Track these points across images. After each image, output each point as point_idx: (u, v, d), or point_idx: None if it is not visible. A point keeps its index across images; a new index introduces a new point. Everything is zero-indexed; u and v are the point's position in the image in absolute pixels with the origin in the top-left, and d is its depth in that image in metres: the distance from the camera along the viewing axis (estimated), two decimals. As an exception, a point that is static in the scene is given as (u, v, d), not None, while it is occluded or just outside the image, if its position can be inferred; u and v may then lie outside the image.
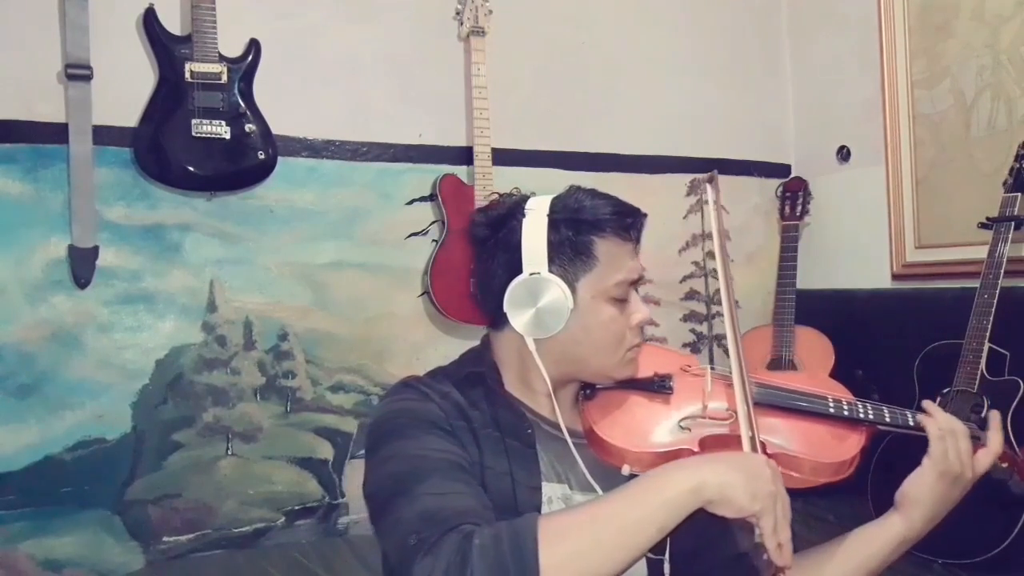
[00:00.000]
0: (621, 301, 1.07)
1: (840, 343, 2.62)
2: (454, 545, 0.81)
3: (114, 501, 2.11)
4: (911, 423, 1.09)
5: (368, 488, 0.99)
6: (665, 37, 2.88)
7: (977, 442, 1.07)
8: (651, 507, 0.85)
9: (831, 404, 1.10)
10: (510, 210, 1.09)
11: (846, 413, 1.09)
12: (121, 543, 2.11)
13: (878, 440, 1.09)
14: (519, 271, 1.05)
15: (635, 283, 1.09)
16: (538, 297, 1.04)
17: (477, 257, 1.11)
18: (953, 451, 1.03)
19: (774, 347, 2.69)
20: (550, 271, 1.04)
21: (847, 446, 1.06)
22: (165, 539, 2.15)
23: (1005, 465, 1.10)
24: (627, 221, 1.08)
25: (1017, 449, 1.14)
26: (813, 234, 2.91)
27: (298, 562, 2.12)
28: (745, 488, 0.86)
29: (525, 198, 1.10)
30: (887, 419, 1.10)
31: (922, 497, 1.04)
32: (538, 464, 1.06)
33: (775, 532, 0.87)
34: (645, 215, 1.10)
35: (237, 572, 2.10)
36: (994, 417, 1.10)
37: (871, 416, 1.09)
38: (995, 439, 1.07)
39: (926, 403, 1.10)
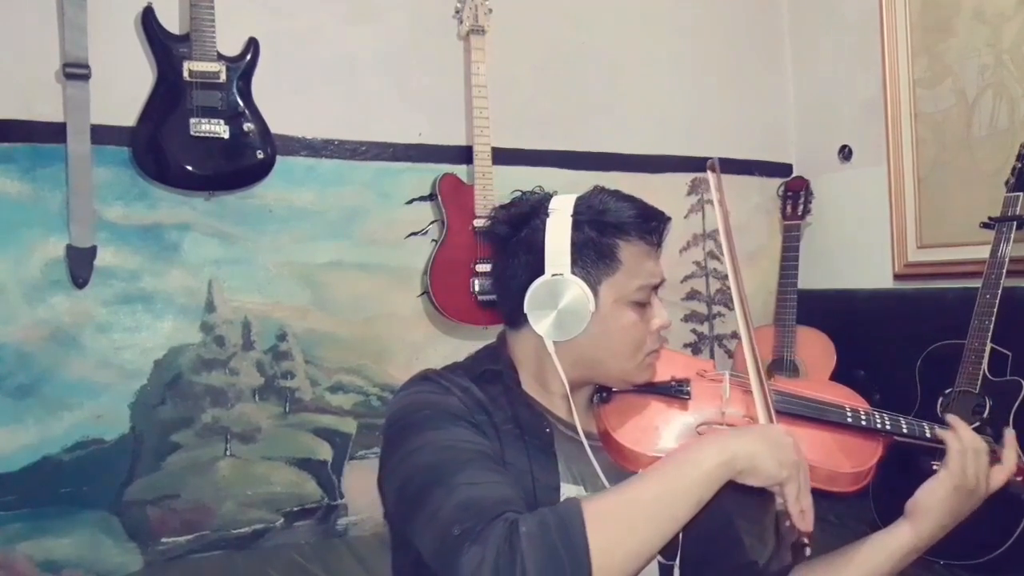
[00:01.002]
0: (642, 305, 1.06)
1: (842, 343, 2.61)
2: (501, 534, 0.81)
3: (112, 502, 2.10)
4: (929, 435, 1.08)
5: (395, 480, 0.97)
6: (666, 36, 2.87)
7: (993, 456, 1.07)
8: (688, 482, 0.87)
9: (849, 414, 1.09)
10: (533, 209, 1.08)
11: (864, 423, 1.08)
12: (119, 544, 2.10)
13: (894, 460, 1.08)
14: (541, 271, 1.03)
15: (657, 288, 1.08)
16: (559, 299, 1.03)
17: (497, 255, 1.10)
18: (972, 467, 1.04)
19: (775, 347, 2.68)
20: (572, 273, 1.03)
21: (864, 456, 1.06)
22: (163, 540, 2.15)
23: (1020, 479, 1.10)
24: (652, 224, 1.07)
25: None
26: (815, 234, 2.90)
27: (297, 563, 2.11)
28: (772, 457, 0.89)
29: (548, 197, 1.09)
30: (905, 430, 1.09)
31: (934, 508, 1.04)
32: (556, 464, 1.05)
33: (798, 499, 0.89)
34: (669, 219, 1.09)
35: (236, 573, 2.10)
36: (1009, 435, 1.09)
37: (889, 427, 1.08)
38: (1010, 457, 1.07)
39: (951, 418, 1.09)
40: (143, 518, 2.13)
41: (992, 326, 2.06)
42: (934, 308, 2.46)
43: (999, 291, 2.06)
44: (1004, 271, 2.07)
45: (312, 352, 2.34)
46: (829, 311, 2.80)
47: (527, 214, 1.07)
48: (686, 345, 2.87)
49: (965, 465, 1.03)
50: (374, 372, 2.40)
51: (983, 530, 1.96)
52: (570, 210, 1.05)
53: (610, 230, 1.04)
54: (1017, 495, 1.14)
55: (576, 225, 1.04)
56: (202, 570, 2.13)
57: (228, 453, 2.23)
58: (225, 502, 2.21)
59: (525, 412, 1.07)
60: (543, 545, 0.80)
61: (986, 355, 2.06)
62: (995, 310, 2.06)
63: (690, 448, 0.91)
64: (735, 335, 2.93)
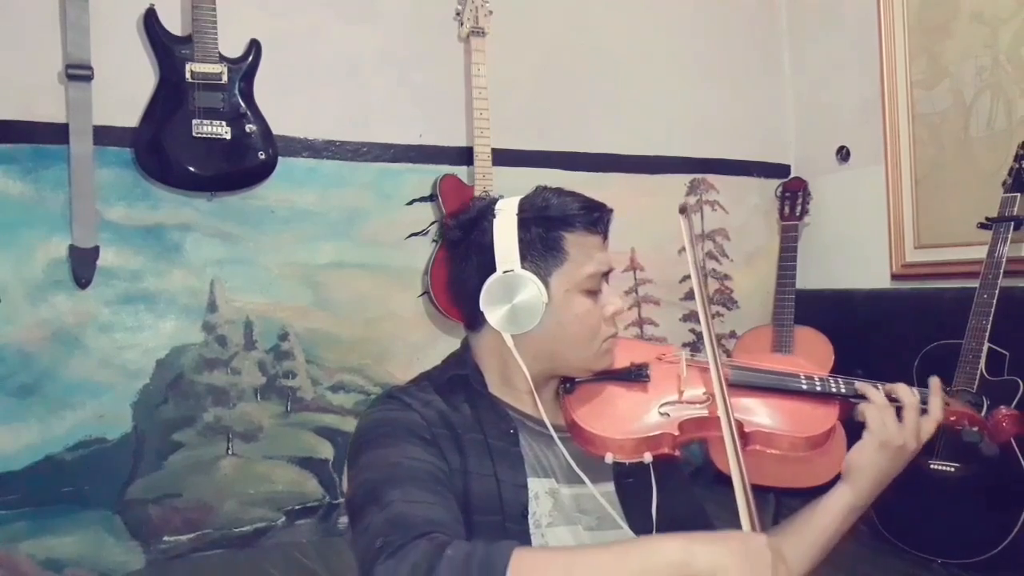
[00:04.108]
0: (594, 293, 1.10)
1: (839, 343, 2.62)
2: (422, 552, 0.81)
3: (115, 501, 2.12)
4: (858, 393, 1.12)
5: (347, 497, 1.00)
6: (665, 37, 2.89)
7: (925, 412, 1.10)
8: (632, 567, 0.83)
9: (803, 380, 1.13)
10: (480, 212, 1.11)
11: (818, 388, 1.12)
12: (122, 543, 2.11)
13: (860, 424, 1.11)
14: (493, 270, 1.07)
15: (606, 275, 1.12)
16: (513, 294, 1.06)
17: (451, 260, 1.14)
18: (891, 422, 1.06)
19: (773, 347, 2.69)
20: (523, 268, 1.06)
21: (821, 421, 1.10)
22: (166, 539, 2.16)
23: (975, 429, 1.16)
24: (594, 215, 1.10)
25: (987, 413, 1.17)
26: (813, 234, 2.92)
27: (298, 562, 2.12)
28: (739, 571, 0.82)
29: (495, 200, 1.12)
30: (842, 390, 1.13)
31: (865, 466, 1.07)
32: (523, 462, 1.07)
33: None
34: (611, 210, 1.13)
35: (237, 572, 2.11)
36: (934, 383, 1.12)
37: (843, 390, 1.12)
38: (936, 405, 1.10)
39: (858, 384, 1.12)
40: (145, 517, 2.14)
41: (989, 326, 2.07)
42: (932, 308, 2.47)
43: (996, 291, 2.07)
44: (1001, 271, 2.08)
45: (313, 352, 2.35)
46: (827, 311, 2.81)
47: (475, 218, 1.11)
48: (685, 344, 2.88)
49: (884, 420, 1.06)
50: (375, 372, 2.41)
51: (981, 529, 1.98)
52: (515, 209, 1.09)
53: (555, 224, 1.08)
54: (974, 444, 1.18)
55: (522, 223, 1.08)
56: (204, 568, 2.14)
57: (230, 452, 2.24)
58: (227, 501, 2.22)
59: (489, 415, 1.10)
60: (461, 574, 0.80)
61: (983, 355, 2.07)
62: (992, 310, 2.07)
63: (654, 537, 0.91)
64: (733, 335, 2.94)
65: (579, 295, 1.08)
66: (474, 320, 1.12)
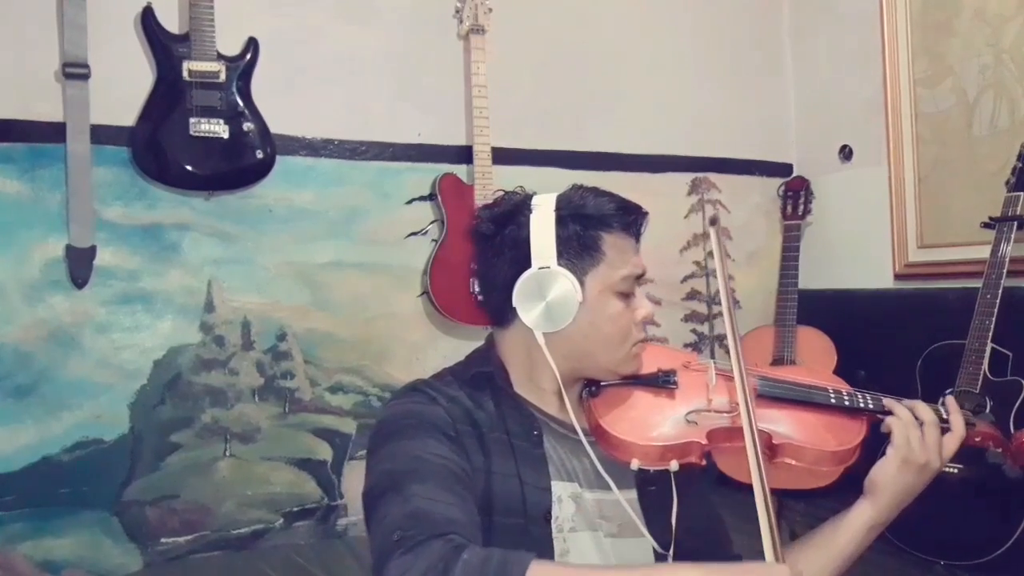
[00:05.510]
0: (626, 296, 1.09)
1: (842, 343, 2.61)
2: (439, 552, 0.81)
3: (112, 502, 2.10)
4: (885, 409, 1.10)
5: (365, 486, 0.98)
6: (666, 35, 2.87)
7: (947, 428, 1.09)
8: None
9: (832, 395, 1.12)
10: (516, 207, 1.10)
11: (847, 403, 1.11)
12: (119, 544, 2.10)
13: (881, 441, 1.09)
14: (527, 266, 1.06)
15: (639, 279, 1.11)
16: (547, 291, 1.05)
17: (482, 254, 1.12)
18: (916, 439, 1.05)
19: (776, 347, 2.68)
20: (558, 265, 1.05)
21: (848, 436, 1.09)
22: (163, 540, 2.14)
23: (999, 450, 1.14)
24: (631, 217, 1.10)
25: (1011, 435, 1.15)
26: (815, 234, 2.90)
27: (296, 564, 2.11)
28: None
29: (529, 196, 1.11)
30: (870, 406, 1.12)
31: (888, 484, 1.06)
32: (546, 465, 1.06)
33: None
34: (647, 213, 1.12)
35: (235, 573, 2.10)
36: (950, 402, 1.12)
37: (871, 405, 1.11)
38: (957, 423, 1.09)
39: (887, 400, 1.11)
40: (143, 518, 2.13)
41: (993, 326, 2.06)
42: (935, 308, 2.45)
43: (1000, 291, 2.06)
44: (1005, 271, 2.07)
45: (312, 352, 2.33)
46: (830, 311, 2.79)
47: (511, 212, 1.10)
48: (686, 345, 2.86)
49: (909, 437, 1.05)
50: (374, 372, 2.39)
51: (984, 530, 1.97)
52: (553, 206, 1.08)
53: (593, 223, 1.07)
54: (998, 465, 1.17)
55: (559, 220, 1.07)
56: (201, 570, 2.13)
57: (228, 453, 2.23)
58: (224, 502, 2.21)
59: (514, 415, 1.08)
60: None
61: (987, 355, 2.06)
62: (996, 310, 2.06)
63: (675, 566, 0.90)
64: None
65: (613, 296, 1.07)
66: (502, 316, 1.11)
